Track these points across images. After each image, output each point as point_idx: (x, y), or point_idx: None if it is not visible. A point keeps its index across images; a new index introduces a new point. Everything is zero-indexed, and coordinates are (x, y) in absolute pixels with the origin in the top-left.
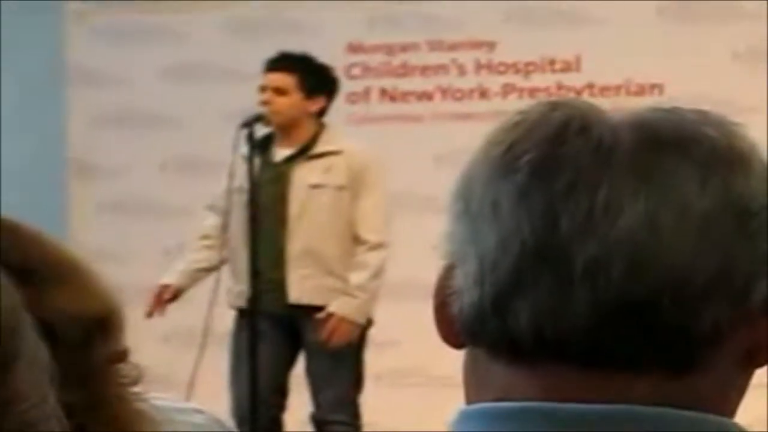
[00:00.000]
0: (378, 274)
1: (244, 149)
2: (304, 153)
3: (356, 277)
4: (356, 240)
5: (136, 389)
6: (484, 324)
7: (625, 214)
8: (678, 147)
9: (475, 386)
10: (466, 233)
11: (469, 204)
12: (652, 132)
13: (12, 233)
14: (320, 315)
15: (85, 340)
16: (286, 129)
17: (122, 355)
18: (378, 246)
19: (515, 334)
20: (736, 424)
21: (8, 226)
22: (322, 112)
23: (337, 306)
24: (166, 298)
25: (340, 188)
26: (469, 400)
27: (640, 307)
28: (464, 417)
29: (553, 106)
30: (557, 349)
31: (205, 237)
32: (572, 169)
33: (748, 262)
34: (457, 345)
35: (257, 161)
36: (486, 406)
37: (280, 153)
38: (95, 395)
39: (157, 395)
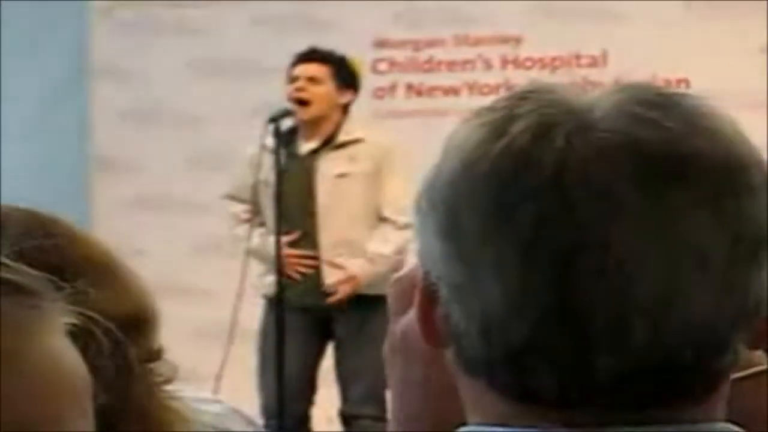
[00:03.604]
0: (400, 250)
1: (269, 141)
2: (329, 144)
3: (377, 246)
4: (382, 220)
5: (168, 387)
6: (493, 372)
7: (642, 270)
8: (678, 178)
9: (471, 405)
10: (463, 275)
11: (461, 245)
12: (649, 162)
13: (48, 230)
14: (338, 278)
15: (119, 339)
16: (314, 120)
17: (156, 354)
18: (404, 227)
19: (531, 388)
20: None
21: (44, 222)
22: (346, 107)
23: (358, 267)
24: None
25: (366, 175)
26: (467, 413)
27: (665, 361)
28: None
29: (539, 125)
30: (578, 400)
31: (246, 221)
32: (579, 223)
33: (761, 290)
34: (440, 347)
35: (282, 154)
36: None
37: (305, 146)
38: (128, 395)
39: (178, 387)
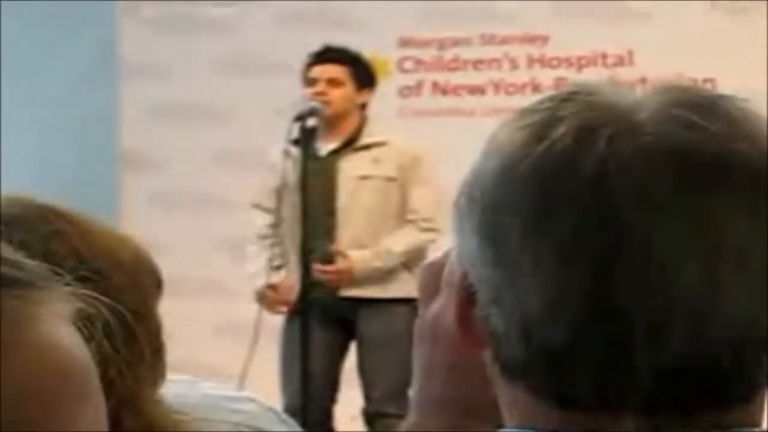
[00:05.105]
0: (415, 251)
1: (287, 146)
2: (350, 145)
3: (388, 242)
4: (406, 222)
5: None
6: (531, 375)
7: (683, 273)
8: (719, 181)
9: (509, 409)
10: (501, 277)
11: (500, 247)
12: (690, 166)
13: (48, 219)
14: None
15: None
16: (335, 121)
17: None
18: (426, 230)
19: (570, 392)
20: None
21: (47, 212)
22: (364, 106)
23: (359, 257)
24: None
25: (389, 179)
26: (504, 417)
27: (704, 363)
28: None
29: (581, 128)
30: (617, 404)
31: (264, 237)
32: (619, 227)
33: None
34: (478, 348)
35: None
36: None
37: (325, 147)
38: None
39: (209, 384)
